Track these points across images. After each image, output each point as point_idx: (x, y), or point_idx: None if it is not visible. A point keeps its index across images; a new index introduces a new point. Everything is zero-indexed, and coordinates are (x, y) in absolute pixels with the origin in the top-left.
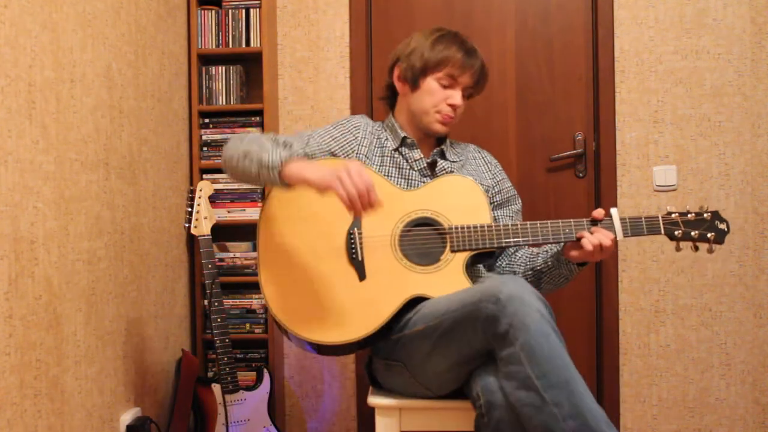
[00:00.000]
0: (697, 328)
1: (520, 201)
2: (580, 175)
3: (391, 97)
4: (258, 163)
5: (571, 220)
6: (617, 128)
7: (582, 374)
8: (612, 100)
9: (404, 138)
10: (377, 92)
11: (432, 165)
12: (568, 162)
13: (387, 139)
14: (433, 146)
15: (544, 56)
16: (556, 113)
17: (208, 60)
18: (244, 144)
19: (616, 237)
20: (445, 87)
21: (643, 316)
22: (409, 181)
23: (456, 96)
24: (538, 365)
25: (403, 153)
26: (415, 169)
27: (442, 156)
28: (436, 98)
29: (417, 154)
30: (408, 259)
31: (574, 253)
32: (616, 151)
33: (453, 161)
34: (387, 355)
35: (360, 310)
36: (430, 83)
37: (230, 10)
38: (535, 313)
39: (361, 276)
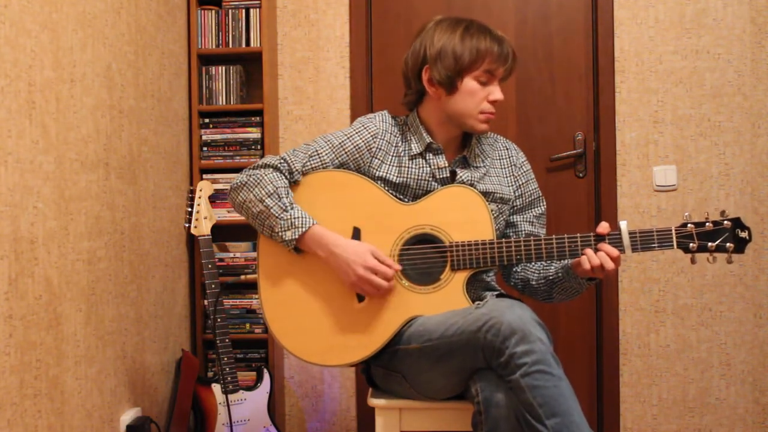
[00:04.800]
0: (697, 328)
1: (544, 203)
2: (580, 175)
3: (417, 100)
4: (270, 232)
5: (578, 235)
6: (617, 128)
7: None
8: (612, 100)
9: (429, 144)
10: (377, 92)
11: (453, 175)
12: (568, 162)
13: (410, 141)
14: (459, 148)
15: (544, 56)
16: (556, 113)
17: (208, 60)
18: (252, 209)
19: (623, 252)
20: (483, 84)
21: (643, 316)
22: (427, 193)
23: (496, 91)
24: (541, 395)
25: (427, 158)
26: (437, 177)
27: (465, 163)
28: (477, 98)
29: (442, 161)
30: (407, 279)
31: (579, 269)
32: (616, 151)
33: (477, 167)
34: (385, 365)
35: (359, 333)
36: (469, 83)
37: (230, 10)
38: (536, 343)
39: (360, 297)
